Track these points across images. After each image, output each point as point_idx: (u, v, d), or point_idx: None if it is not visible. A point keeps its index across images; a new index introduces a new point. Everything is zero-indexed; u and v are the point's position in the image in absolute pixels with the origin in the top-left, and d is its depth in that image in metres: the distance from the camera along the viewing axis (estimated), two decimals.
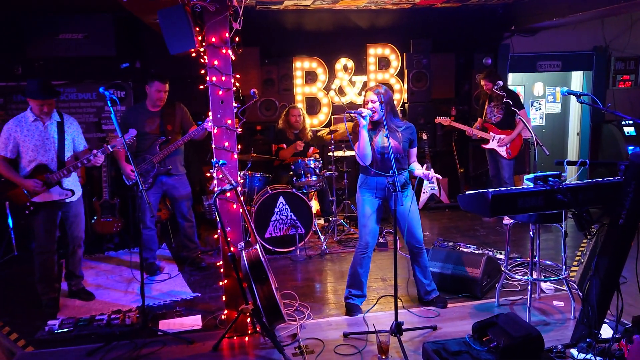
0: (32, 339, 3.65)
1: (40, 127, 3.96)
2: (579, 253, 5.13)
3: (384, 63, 7.16)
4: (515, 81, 8.19)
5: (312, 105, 7.13)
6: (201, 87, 3.49)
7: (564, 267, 3.83)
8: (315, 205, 6.30)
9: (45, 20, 5.87)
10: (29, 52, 5.91)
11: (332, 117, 7.09)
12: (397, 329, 3.26)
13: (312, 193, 6.10)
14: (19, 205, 3.95)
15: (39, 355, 3.43)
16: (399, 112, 3.81)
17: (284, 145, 6.00)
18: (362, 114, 3.51)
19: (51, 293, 4.16)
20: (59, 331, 3.69)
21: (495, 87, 5.51)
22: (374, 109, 3.62)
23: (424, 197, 7.11)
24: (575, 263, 4.84)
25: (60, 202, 4.05)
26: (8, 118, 6.01)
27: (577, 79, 8.26)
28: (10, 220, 5.39)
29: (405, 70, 7.11)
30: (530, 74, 8.13)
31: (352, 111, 3.53)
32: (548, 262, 4.72)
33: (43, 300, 4.14)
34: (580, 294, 3.59)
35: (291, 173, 5.64)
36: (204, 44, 3.37)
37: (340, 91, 7.09)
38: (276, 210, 5.31)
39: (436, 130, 7.26)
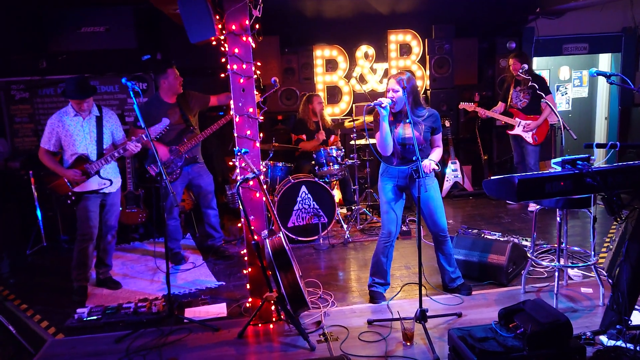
0: (62, 326, 3.74)
1: (80, 121, 4.10)
2: (607, 240, 5.01)
3: (405, 49, 7.06)
4: (540, 65, 7.99)
5: (333, 94, 7.09)
6: (222, 75, 3.49)
7: (592, 252, 3.74)
8: (337, 195, 6.28)
9: (67, 14, 5.95)
10: (52, 47, 6.00)
11: (354, 105, 7.04)
12: (421, 316, 3.24)
13: (335, 182, 6.08)
14: (61, 195, 4.13)
15: (70, 342, 3.52)
16: (422, 98, 3.74)
17: (304, 137, 5.98)
18: (382, 105, 3.42)
19: (83, 281, 4.29)
20: (88, 319, 3.77)
21: (520, 70, 5.39)
22: (394, 99, 3.53)
23: (447, 185, 7.02)
24: (603, 250, 4.73)
25: (100, 192, 4.19)
26: (34, 112, 6.19)
27: (605, 62, 8.02)
28: (39, 212, 5.52)
29: (427, 57, 7.01)
30: (555, 57, 7.93)
31: (372, 103, 3.45)
32: (576, 249, 4.62)
33: (75, 286, 4.26)
34: (610, 280, 3.51)
35: (313, 162, 5.63)
36: (224, 32, 3.36)
37: (362, 79, 7.02)
38: (299, 199, 5.31)
39: (459, 116, 7.15)
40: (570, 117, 8.27)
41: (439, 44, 6.93)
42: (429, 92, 7.10)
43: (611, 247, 4.39)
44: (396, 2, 7.03)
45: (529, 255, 3.89)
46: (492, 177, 2.92)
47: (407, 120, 3.49)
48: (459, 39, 7.03)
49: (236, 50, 3.33)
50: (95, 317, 3.78)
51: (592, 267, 3.70)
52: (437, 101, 7.00)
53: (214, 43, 3.45)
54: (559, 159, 2.99)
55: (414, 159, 3.26)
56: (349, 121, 5.90)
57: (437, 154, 3.71)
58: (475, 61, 7.22)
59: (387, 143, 3.54)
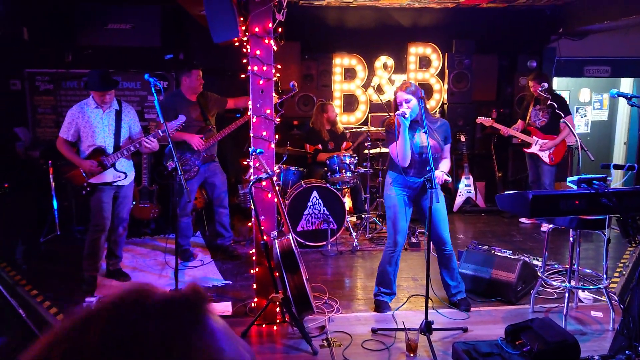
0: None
1: (100, 114, 4.17)
2: (620, 264, 4.94)
3: (424, 62, 7.08)
4: (560, 86, 7.95)
5: (350, 102, 7.12)
6: (242, 76, 3.54)
7: (604, 275, 3.69)
8: (348, 202, 6.28)
9: (96, 10, 6.08)
10: (79, 40, 6.12)
11: (370, 114, 7.06)
12: (426, 328, 3.22)
13: (346, 190, 6.09)
14: (77, 185, 4.19)
15: None
16: (437, 112, 3.75)
17: (320, 147, 6.02)
18: (405, 115, 3.41)
19: (93, 271, 4.34)
20: None
21: (540, 89, 5.36)
22: (409, 108, 3.48)
23: (459, 199, 6.98)
24: (616, 274, 4.66)
25: (114, 184, 4.24)
26: (57, 104, 6.31)
27: (626, 86, 7.95)
28: (55, 202, 5.60)
29: (447, 71, 7.01)
30: (576, 78, 7.88)
31: (397, 113, 3.44)
32: (588, 271, 4.57)
33: (85, 275, 4.31)
34: (621, 305, 3.46)
35: (326, 168, 5.65)
36: (247, 33, 3.41)
37: (379, 89, 7.04)
38: (309, 204, 5.32)
39: (475, 132, 7.13)
40: (589, 140, 8.19)
41: (458, 58, 6.93)
42: (446, 105, 7.09)
43: (624, 272, 4.31)
44: (418, 15, 7.06)
45: (539, 274, 3.85)
46: (506, 192, 2.91)
47: (423, 130, 3.49)
48: (479, 55, 7.03)
49: (258, 52, 3.38)
50: None
51: (604, 290, 3.64)
52: (454, 116, 6.99)
53: (237, 44, 3.50)
54: (575, 177, 2.97)
55: (427, 169, 3.25)
56: (362, 129, 5.90)
57: (445, 165, 3.71)
58: (494, 78, 7.21)
59: (406, 153, 3.52)
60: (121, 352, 0.46)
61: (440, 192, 3.73)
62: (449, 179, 3.64)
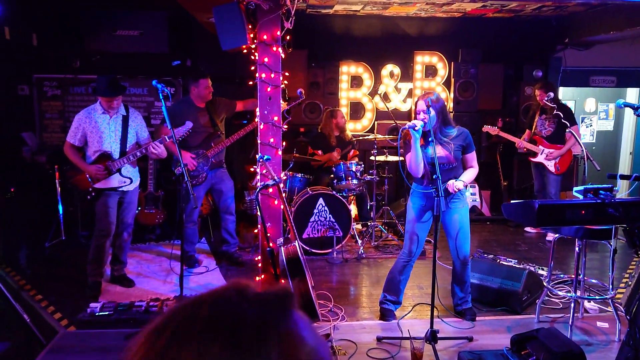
0: (74, 319, 3.80)
1: (107, 119, 4.18)
2: (626, 275, 4.91)
3: (430, 71, 7.10)
4: (566, 96, 7.95)
5: (357, 110, 7.14)
6: (250, 82, 3.56)
7: (610, 286, 3.67)
8: (354, 210, 6.28)
9: (105, 16, 6.13)
10: (87, 46, 6.17)
11: (376, 122, 7.07)
12: (432, 337, 3.21)
13: (352, 197, 6.09)
14: (82, 190, 4.21)
15: (81, 335, 3.56)
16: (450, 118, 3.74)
17: (320, 152, 6.03)
18: (415, 127, 3.41)
19: (97, 276, 4.35)
20: (100, 314, 3.82)
21: (546, 98, 5.37)
22: (425, 120, 3.48)
23: None
24: (622, 285, 4.63)
25: (119, 189, 4.25)
26: (65, 109, 6.36)
27: (632, 96, 7.94)
28: (60, 207, 5.63)
29: (452, 79, 7.03)
30: (582, 88, 7.88)
31: (406, 125, 3.46)
32: (593, 281, 4.54)
33: (89, 281, 4.32)
34: (627, 316, 3.44)
35: (332, 175, 5.66)
36: (255, 41, 3.44)
37: (385, 97, 7.06)
38: (315, 211, 5.33)
39: (481, 141, 7.12)
40: (594, 150, 8.18)
41: (464, 67, 6.95)
42: (451, 114, 7.09)
43: (630, 282, 4.30)
44: (425, 24, 7.09)
45: (544, 284, 3.84)
46: (512, 201, 2.91)
47: (430, 138, 3.50)
48: (485, 64, 7.04)
49: (266, 60, 3.40)
50: (107, 313, 3.83)
51: (610, 301, 3.62)
52: (459, 124, 6.88)
53: (245, 51, 3.52)
54: (581, 187, 2.97)
55: (435, 177, 3.25)
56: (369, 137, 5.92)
57: (469, 174, 3.65)
58: (500, 87, 7.22)
59: (418, 164, 3.52)
60: (224, 325, 0.57)
61: (464, 203, 3.70)
62: (461, 187, 3.59)
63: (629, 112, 7.56)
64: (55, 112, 6.32)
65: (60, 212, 5.65)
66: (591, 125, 8.28)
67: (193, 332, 0.56)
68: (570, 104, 7.99)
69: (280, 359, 0.57)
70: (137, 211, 5.62)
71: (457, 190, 3.57)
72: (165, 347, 0.56)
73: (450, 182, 3.54)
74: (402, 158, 3.85)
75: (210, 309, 0.59)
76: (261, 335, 0.57)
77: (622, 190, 6.70)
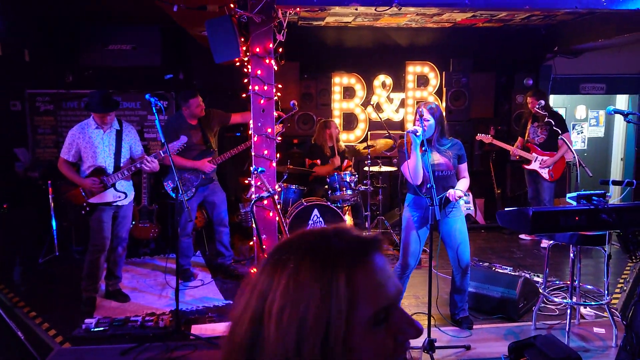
0: (69, 335, 3.75)
1: (100, 134, 4.17)
2: (621, 280, 4.93)
3: (422, 81, 7.15)
4: (557, 103, 8.02)
5: (350, 120, 7.17)
6: (243, 95, 3.57)
7: (605, 292, 3.69)
8: (349, 221, 6.28)
9: (97, 30, 6.15)
10: (80, 61, 6.18)
11: (369, 132, 7.10)
12: (429, 346, 3.20)
13: (346, 207, 6.09)
14: (76, 205, 4.18)
15: (76, 351, 3.52)
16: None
17: (318, 162, 6.04)
18: (417, 133, 3.43)
19: (92, 292, 4.32)
20: (95, 330, 3.78)
21: (538, 106, 5.42)
22: (425, 127, 3.50)
23: None
24: (617, 290, 4.65)
25: (114, 204, 4.23)
26: (57, 124, 6.35)
27: (622, 103, 8.02)
28: (54, 222, 5.59)
29: (444, 89, 7.08)
30: (572, 96, 7.96)
31: (409, 130, 3.47)
32: (589, 287, 4.56)
33: (84, 296, 4.28)
34: (624, 321, 3.45)
35: (326, 186, 5.66)
36: (248, 53, 3.46)
37: (378, 107, 7.10)
38: (310, 222, 5.32)
39: (474, 149, 7.17)
40: (586, 157, 8.24)
41: (456, 77, 7.00)
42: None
43: (625, 288, 4.32)
44: (416, 34, 7.16)
45: (540, 291, 3.85)
46: (506, 209, 2.92)
47: (423, 148, 3.52)
48: (476, 73, 7.11)
49: (259, 72, 3.42)
50: (102, 329, 3.79)
51: (605, 306, 3.63)
52: (452, 133, 6.95)
53: (238, 64, 3.54)
54: (574, 194, 2.99)
55: (429, 186, 3.26)
56: (364, 148, 5.92)
57: (464, 184, 3.69)
58: (491, 95, 7.28)
59: (417, 171, 3.52)
60: (315, 248, 0.79)
61: (461, 212, 3.72)
62: (462, 195, 3.62)
63: (619, 118, 7.63)
64: (48, 127, 6.31)
65: (54, 227, 5.61)
66: (582, 132, 8.36)
67: (300, 248, 0.80)
68: (561, 111, 8.07)
69: (347, 281, 0.75)
70: (131, 225, 5.61)
71: (458, 198, 3.60)
72: (282, 251, 0.81)
73: (451, 190, 3.56)
74: (395, 168, 3.87)
75: (313, 237, 0.82)
76: (336, 262, 0.76)
77: (615, 196, 6.75)
